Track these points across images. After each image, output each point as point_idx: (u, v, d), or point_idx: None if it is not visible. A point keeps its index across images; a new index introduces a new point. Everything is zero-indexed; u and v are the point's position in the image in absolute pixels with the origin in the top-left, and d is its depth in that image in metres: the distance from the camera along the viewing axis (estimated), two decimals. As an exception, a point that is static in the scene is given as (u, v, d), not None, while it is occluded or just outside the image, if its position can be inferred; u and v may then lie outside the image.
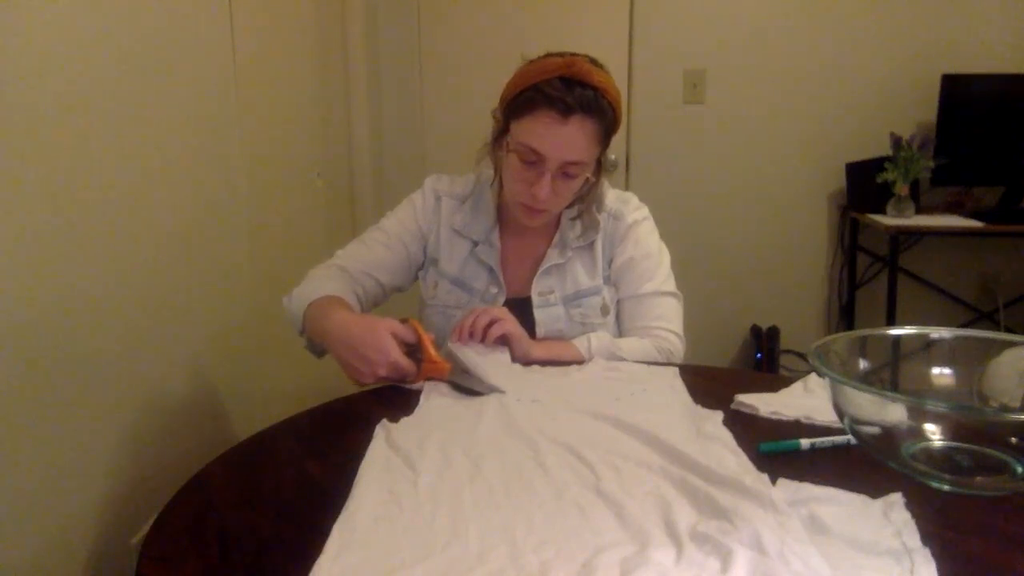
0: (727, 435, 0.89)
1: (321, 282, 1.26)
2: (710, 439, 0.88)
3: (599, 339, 1.26)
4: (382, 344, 1.06)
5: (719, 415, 0.95)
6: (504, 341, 1.19)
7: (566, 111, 1.14)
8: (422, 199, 1.37)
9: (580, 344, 1.25)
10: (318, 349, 1.23)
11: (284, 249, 2.04)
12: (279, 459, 0.90)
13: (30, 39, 1.07)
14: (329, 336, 1.13)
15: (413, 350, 1.11)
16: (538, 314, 1.31)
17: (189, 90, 1.52)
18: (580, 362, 1.21)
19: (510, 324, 1.19)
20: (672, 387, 1.08)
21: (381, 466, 0.83)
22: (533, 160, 1.17)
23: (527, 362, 1.19)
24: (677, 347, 1.31)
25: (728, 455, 0.84)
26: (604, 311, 1.33)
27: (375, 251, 1.34)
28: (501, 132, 1.24)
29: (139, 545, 0.86)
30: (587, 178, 1.24)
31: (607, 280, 1.34)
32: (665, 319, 1.32)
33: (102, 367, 1.23)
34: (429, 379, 1.10)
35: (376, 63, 2.83)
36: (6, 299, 1.01)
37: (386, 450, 0.87)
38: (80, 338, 1.17)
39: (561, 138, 1.15)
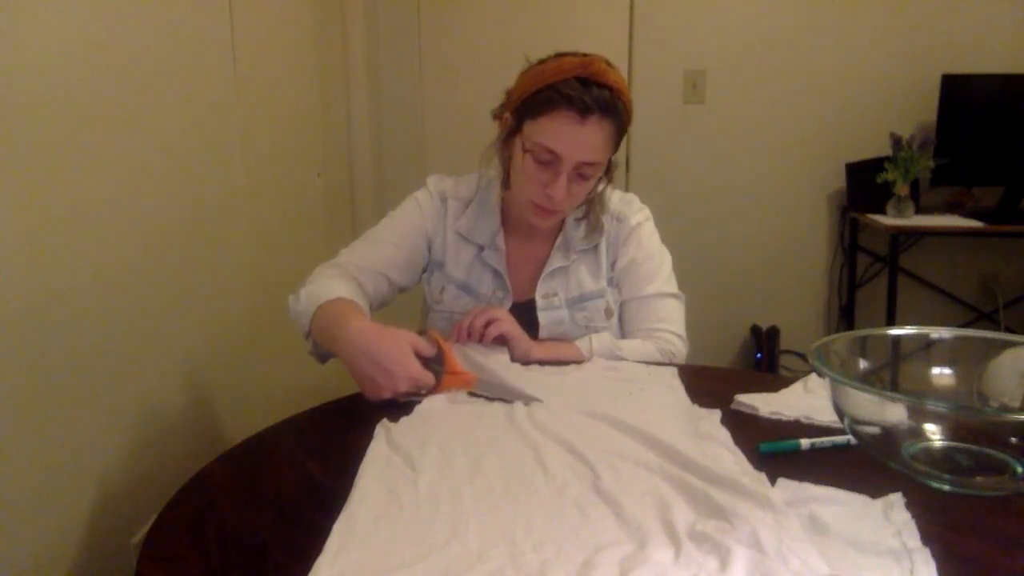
0: (725, 434, 0.89)
1: (331, 283, 1.21)
2: (707, 438, 0.88)
3: (600, 340, 1.25)
4: (403, 358, 1.02)
5: (717, 414, 0.95)
6: (502, 341, 1.19)
7: (584, 111, 1.13)
8: (428, 198, 1.35)
9: (582, 344, 1.25)
10: (323, 355, 1.20)
11: (284, 249, 2.04)
12: (279, 459, 0.90)
13: (30, 39, 1.07)
14: (344, 345, 1.06)
15: (429, 362, 1.07)
16: (542, 316, 1.31)
17: (189, 90, 1.52)
18: (580, 362, 1.21)
19: (507, 324, 1.19)
20: (670, 387, 1.08)
21: (381, 465, 0.83)
22: (549, 160, 1.16)
23: (527, 362, 1.19)
24: (679, 348, 1.31)
25: (726, 454, 0.84)
26: (608, 314, 1.33)
27: (384, 249, 1.31)
28: (512, 132, 1.23)
29: (139, 545, 0.86)
30: (599, 178, 1.24)
31: (611, 283, 1.34)
32: (667, 321, 1.32)
33: (101, 367, 1.23)
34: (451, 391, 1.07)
35: (376, 63, 2.83)
36: (6, 299, 1.01)
37: (386, 450, 0.87)
38: (80, 338, 1.17)
39: (579, 138, 1.14)
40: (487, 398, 1.04)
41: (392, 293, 1.33)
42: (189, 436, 1.51)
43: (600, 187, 1.28)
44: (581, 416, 0.95)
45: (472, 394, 1.06)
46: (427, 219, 1.34)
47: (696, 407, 0.99)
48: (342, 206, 2.66)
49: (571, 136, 1.14)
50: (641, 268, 1.33)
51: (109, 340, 1.24)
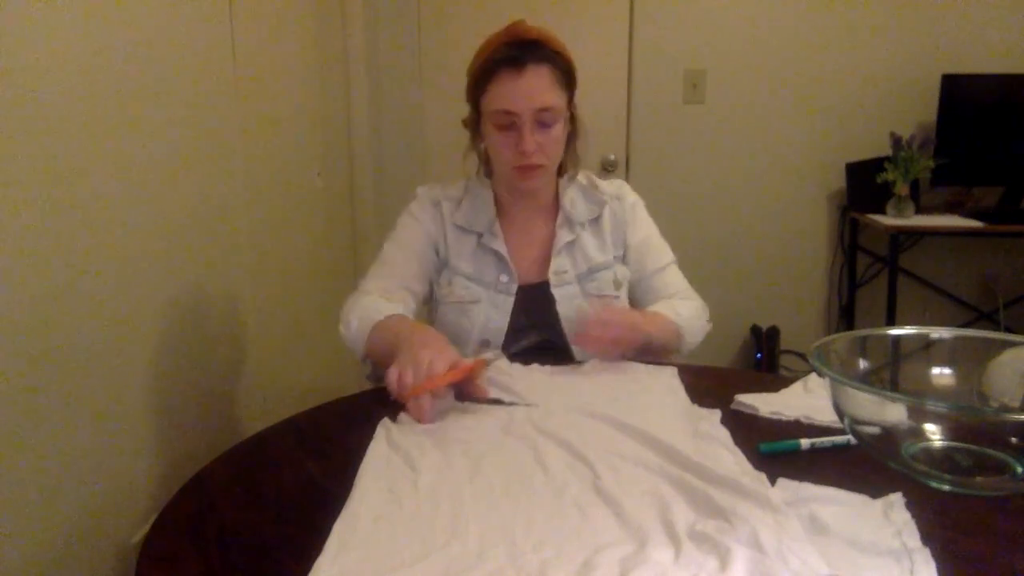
0: (724, 434, 0.89)
1: (376, 304, 1.22)
2: (707, 438, 0.88)
3: (672, 306, 1.33)
4: (443, 349, 1.03)
5: (717, 414, 0.96)
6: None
7: (518, 64, 1.22)
8: (420, 207, 1.39)
9: (669, 313, 1.31)
10: (381, 374, 1.15)
11: (284, 249, 2.04)
12: (279, 459, 0.90)
13: (31, 40, 1.07)
14: (403, 340, 1.08)
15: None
16: (556, 293, 1.33)
17: (189, 90, 1.52)
18: (675, 328, 1.28)
19: (642, 326, 1.23)
20: (670, 387, 1.09)
21: (381, 465, 0.83)
22: (509, 122, 1.24)
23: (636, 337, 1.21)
24: (700, 300, 1.41)
25: (726, 454, 0.84)
26: (617, 285, 1.37)
27: (399, 266, 1.33)
28: (476, 122, 1.32)
29: (139, 545, 0.86)
30: (567, 129, 1.30)
31: (619, 259, 1.39)
32: (684, 282, 1.42)
33: (101, 367, 1.23)
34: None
35: (376, 63, 2.83)
36: (6, 299, 1.01)
37: (387, 449, 0.87)
38: (80, 338, 1.17)
39: (522, 88, 1.22)
40: (489, 401, 1.04)
41: (418, 305, 1.36)
42: (189, 436, 1.51)
43: (569, 136, 1.33)
44: (581, 416, 0.95)
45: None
46: (426, 225, 1.37)
47: (696, 407, 0.99)
48: (342, 206, 2.66)
49: (515, 90, 1.22)
50: (652, 243, 1.42)
51: (109, 340, 1.24)
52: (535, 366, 1.17)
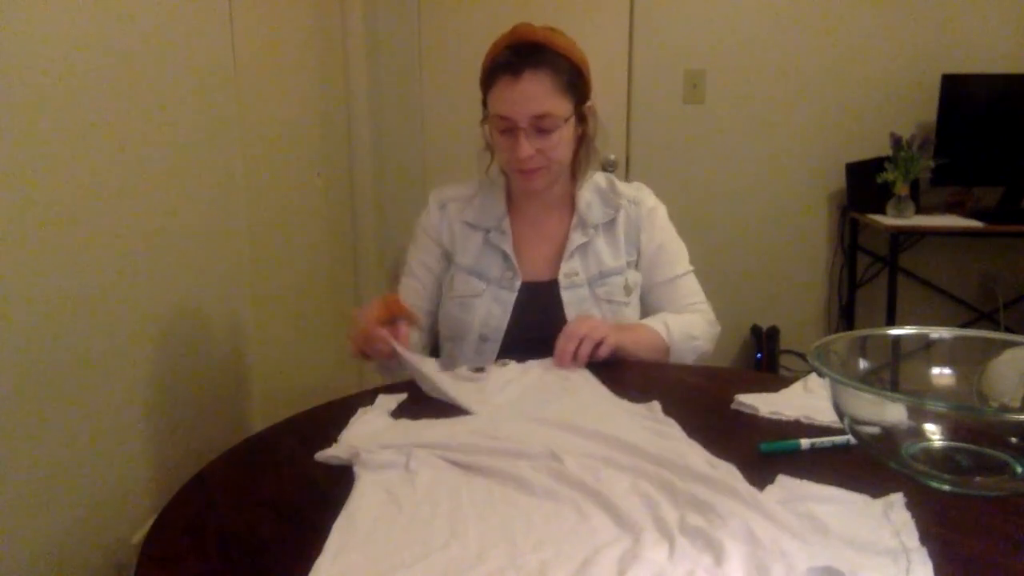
0: (677, 428, 0.90)
1: None
2: (664, 436, 0.88)
3: (672, 322, 1.30)
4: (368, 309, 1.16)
5: (657, 406, 0.96)
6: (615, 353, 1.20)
7: (516, 70, 1.22)
8: (427, 216, 1.41)
9: (659, 329, 1.29)
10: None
11: (284, 249, 2.04)
12: (279, 459, 0.90)
13: (30, 39, 1.07)
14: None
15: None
16: (565, 296, 1.33)
17: (189, 90, 1.52)
18: (664, 346, 1.27)
19: (614, 336, 1.19)
20: (592, 384, 1.09)
21: (379, 466, 0.83)
22: (508, 127, 1.24)
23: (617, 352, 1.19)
24: (713, 315, 1.40)
25: (690, 449, 0.84)
26: (627, 291, 1.36)
27: (407, 290, 1.40)
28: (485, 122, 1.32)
29: (139, 545, 0.86)
30: (575, 133, 1.29)
31: (632, 264, 1.38)
32: (698, 294, 1.41)
33: (102, 367, 1.23)
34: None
35: (376, 63, 2.83)
36: (6, 299, 1.01)
37: (379, 457, 0.86)
38: (79, 338, 1.17)
39: (517, 95, 1.22)
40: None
41: (432, 317, 1.40)
42: (189, 436, 1.51)
43: (580, 140, 1.32)
44: (538, 425, 0.93)
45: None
46: (431, 233, 1.40)
47: (626, 401, 1.00)
48: (342, 206, 2.65)
49: (512, 96, 1.22)
50: (668, 249, 1.40)
51: (109, 340, 1.24)
52: (463, 373, 1.14)
